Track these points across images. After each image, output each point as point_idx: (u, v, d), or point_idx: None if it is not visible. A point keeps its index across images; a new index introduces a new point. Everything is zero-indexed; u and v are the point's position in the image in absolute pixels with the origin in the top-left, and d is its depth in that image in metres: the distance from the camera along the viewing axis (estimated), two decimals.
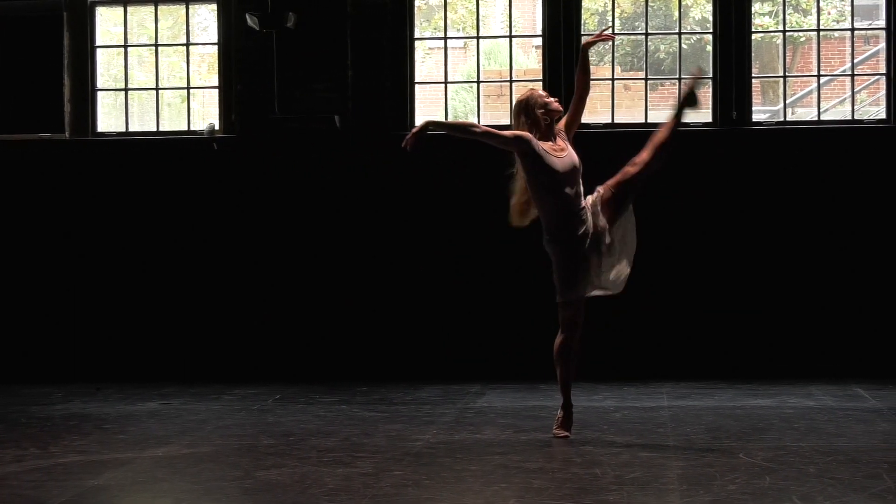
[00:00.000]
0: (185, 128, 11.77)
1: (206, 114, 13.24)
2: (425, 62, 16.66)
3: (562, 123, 8.07)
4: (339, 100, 11.11)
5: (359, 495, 6.45)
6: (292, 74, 11.10)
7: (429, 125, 7.84)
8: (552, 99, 7.99)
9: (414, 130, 7.79)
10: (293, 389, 10.35)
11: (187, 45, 12.00)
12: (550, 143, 7.92)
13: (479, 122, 11.78)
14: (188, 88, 12.01)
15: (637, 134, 10.87)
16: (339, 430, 8.46)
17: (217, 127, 11.41)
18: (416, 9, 11.45)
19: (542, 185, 7.85)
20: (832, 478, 6.72)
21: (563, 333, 7.94)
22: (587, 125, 11.10)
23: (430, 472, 7.03)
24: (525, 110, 7.93)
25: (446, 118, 11.69)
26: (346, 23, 11.11)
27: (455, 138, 8.12)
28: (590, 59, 8.12)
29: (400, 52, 11.27)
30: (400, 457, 7.45)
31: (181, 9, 11.88)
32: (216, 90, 11.63)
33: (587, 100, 8.18)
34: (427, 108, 12.44)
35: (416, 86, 11.45)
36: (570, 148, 7.98)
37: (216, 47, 11.66)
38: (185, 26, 11.94)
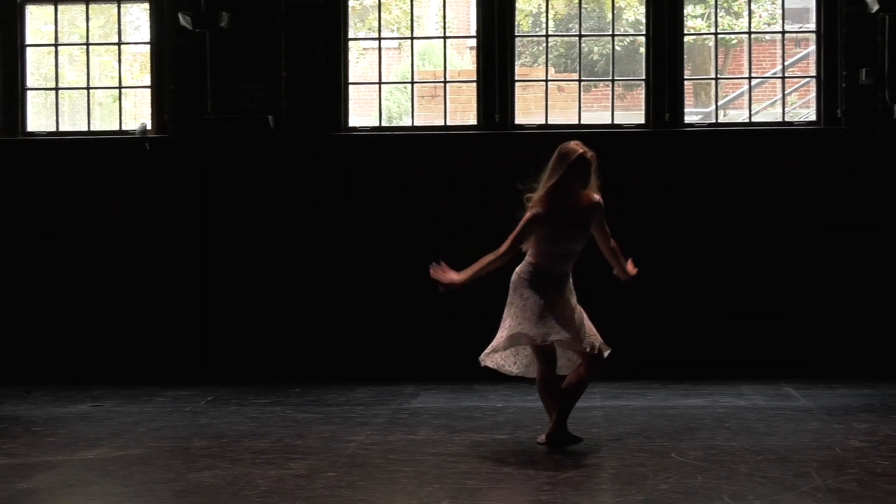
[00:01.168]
0: (117, 128, 11.66)
1: (138, 114, 13.16)
2: (359, 63, 16.65)
3: (596, 208, 7.86)
4: (273, 100, 11.07)
5: (292, 497, 6.43)
6: (226, 74, 11.04)
7: (458, 285, 7.81)
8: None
9: (448, 286, 7.79)
10: (226, 391, 10.29)
11: (119, 44, 11.90)
12: (571, 202, 7.76)
13: (412, 122, 11.79)
14: (120, 88, 11.91)
15: (570, 135, 10.93)
16: (272, 431, 8.43)
17: (149, 127, 11.32)
18: (350, 9, 11.43)
19: (544, 241, 7.75)
20: (763, 476, 6.78)
21: (539, 366, 7.78)
22: (521, 126, 11.15)
23: (363, 473, 7.03)
24: (579, 167, 7.70)
25: (380, 119, 11.68)
26: (280, 23, 11.07)
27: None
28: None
29: (334, 52, 11.24)
30: (333, 458, 7.44)
31: (113, 8, 11.78)
32: (148, 90, 11.54)
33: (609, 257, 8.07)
34: (361, 108, 12.44)
35: (350, 86, 11.42)
36: (585, 219, 7.80)
37: (149, 46, 11.56)
38: (116, 25, 11.84)
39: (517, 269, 7.88)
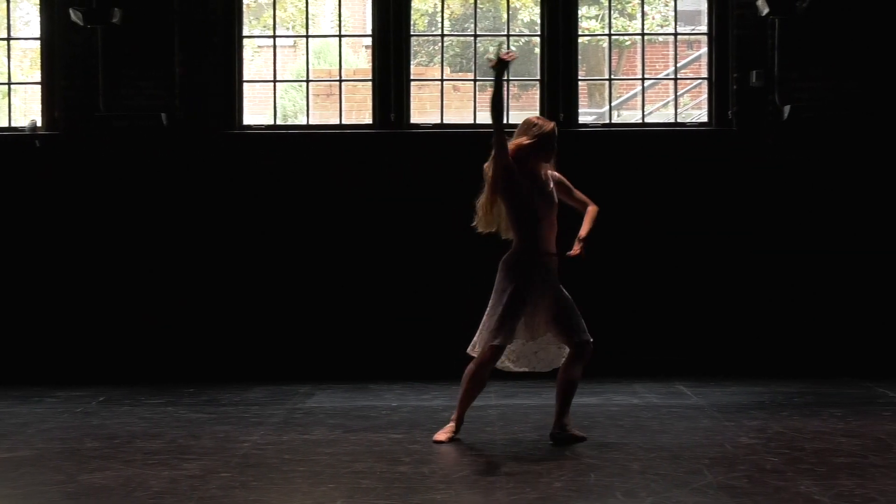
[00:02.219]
0: (6, 124, 11.47)
1: (28, 110, 12.97)
2: (254, 60, 16.54)
3: (558, 180, 8.04)
4: (166, 97, 10.96)
5: (185, 498, 6.38)
6: (118, 71, 10.91)
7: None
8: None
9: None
10: (119, 391, 10.17)
11: (8, 39, 11.71)
12: (535, 174, 7.85)
13: (308, 120, 11.76)
14: (9, 84, 11.75)
15: (466, 134, 10.98)
16: (165, 432, 8.35)
17: (39, 124, 11.16)
18: (244, 6, 11.35)
19: (517, 206, 7.78)
20: (655, 474, 6.85)
21: (482, 357, 7.74)
22: (417, 125, 11.16)
23: (257, 473, 6.99)
24: (546, 142, 7.85)
25: (275, 117, 11.62)
26: (174, 19, 10.96)
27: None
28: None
29: (228, 49, 11.16)
30: (227, 458, 7.39)
31: (2, 2, 11.58)
32: (39, 86, 11.37)
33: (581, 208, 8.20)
34: (255, 107, 12.36)
35: (245, 84, 11.34)
36: (552, 188, 7.95)
37: (39, 42, 11.39)
38: (5, 20, 11.65)
39: (504, 257, 7.86)
